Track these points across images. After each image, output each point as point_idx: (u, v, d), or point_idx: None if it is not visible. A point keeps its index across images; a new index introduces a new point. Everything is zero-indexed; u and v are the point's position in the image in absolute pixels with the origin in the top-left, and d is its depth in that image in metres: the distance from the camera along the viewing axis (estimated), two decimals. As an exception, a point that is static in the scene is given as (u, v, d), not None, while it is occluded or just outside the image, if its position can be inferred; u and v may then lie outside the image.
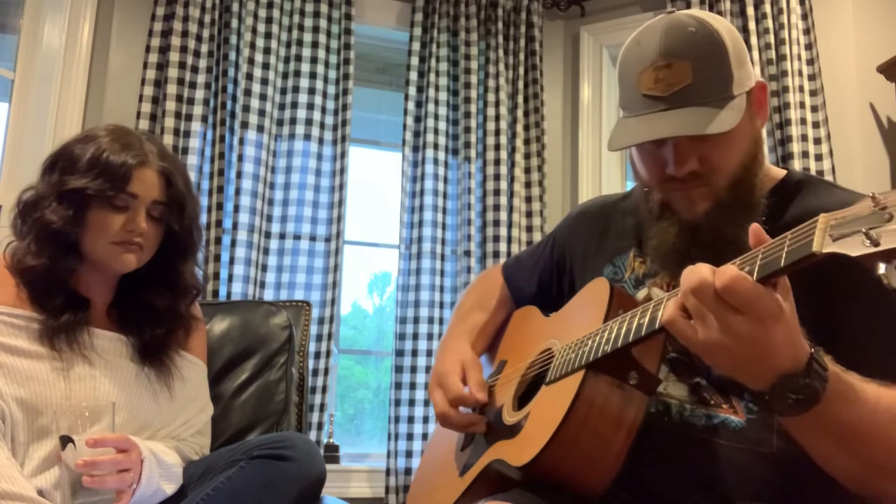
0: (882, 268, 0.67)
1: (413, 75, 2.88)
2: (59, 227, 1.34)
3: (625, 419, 0.97)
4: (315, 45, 2.79)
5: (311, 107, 2.76)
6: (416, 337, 2.75)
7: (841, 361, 0.85)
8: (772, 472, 0.98)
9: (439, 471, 1.30)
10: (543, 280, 1.39)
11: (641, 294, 1.14)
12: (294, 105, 2.75)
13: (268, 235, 2.67)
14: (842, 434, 0.84)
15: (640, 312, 0.93)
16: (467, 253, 2.83)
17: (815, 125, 2.69)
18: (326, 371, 2.60)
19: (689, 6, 2.81)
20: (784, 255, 0.74)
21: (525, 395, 1.16)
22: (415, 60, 2.89)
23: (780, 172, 1.14)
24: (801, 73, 2.71)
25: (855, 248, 0.68)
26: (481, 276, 1.55)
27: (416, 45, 2.90)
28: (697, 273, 0.80)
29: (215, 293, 2.50)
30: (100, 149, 1.37)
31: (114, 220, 1.36)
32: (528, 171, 2.96)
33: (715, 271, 0.79)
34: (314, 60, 2.78)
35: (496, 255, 2.81)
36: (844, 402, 0.82)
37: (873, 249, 0.66)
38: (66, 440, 1.18)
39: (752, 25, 2.76)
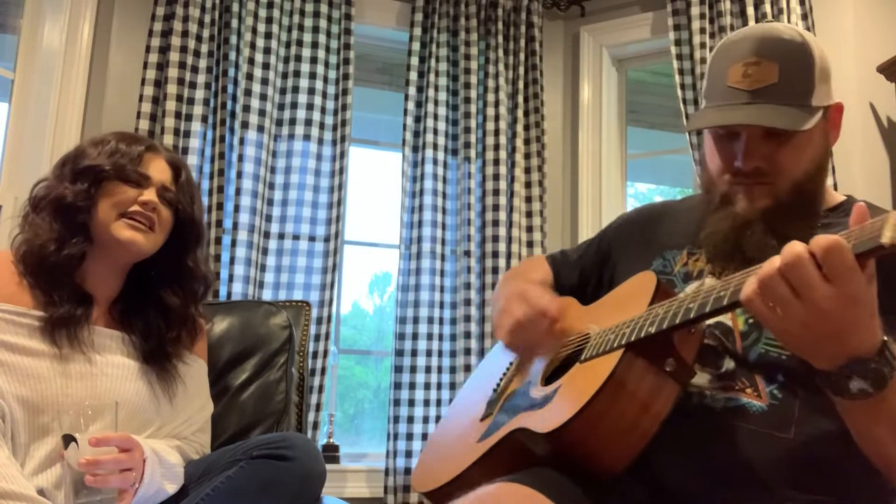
0: None
1: (413, 75, 2.88)
2: (71, 200, 1.36)
3: (654, 404, 0.97)
4: (315, 45, 2.79)
5: (310, 107, 2.76)
6: (415, 337, 2.75)
7: None
8: (786, 458, 0.99)
9: (456, 438, 1.28)
10: (584, 273, 1.40)
11: (690, 288, 1.15)
12: (294, 105, 2.75)
13: (267, 235, 2.67)
14: None
15: (691, 299, 0.95)
16: (467, 253, 2.83)
17: (815, 125, 2.68)
18: (324, 371, 2.60)
19: (688, 7, 2.81)
20: (852, 246, 0.77)
21: (554, 375, 1.16)
22: (415, 60, 2.89)
23: (840, 197, 1.18)
24: (800, 74, 2.71)
25: None
26: (525, 261, 1.57)
27: (416, 45, 2.90)
28: (792, 247, 0.81)
29: (215, 293, 2.50)
30: (112, 142, 1.43)
31: (127, 192, 1.39)
32: (528, 171, 2.96)
33: (811, 241, 0.80)
34: (314, 60, 2.78)
35: (496, 255, 2.81)
36: None
37: None
38: (68, 439, 1.18)
39: (751, 25, 2.76)
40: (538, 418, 1.05)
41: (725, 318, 1.09)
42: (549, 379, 1.17)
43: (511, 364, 1.32)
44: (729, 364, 1.06)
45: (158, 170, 1.44)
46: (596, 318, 1.18)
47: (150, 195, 1.40)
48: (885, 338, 0.83)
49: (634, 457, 0.97)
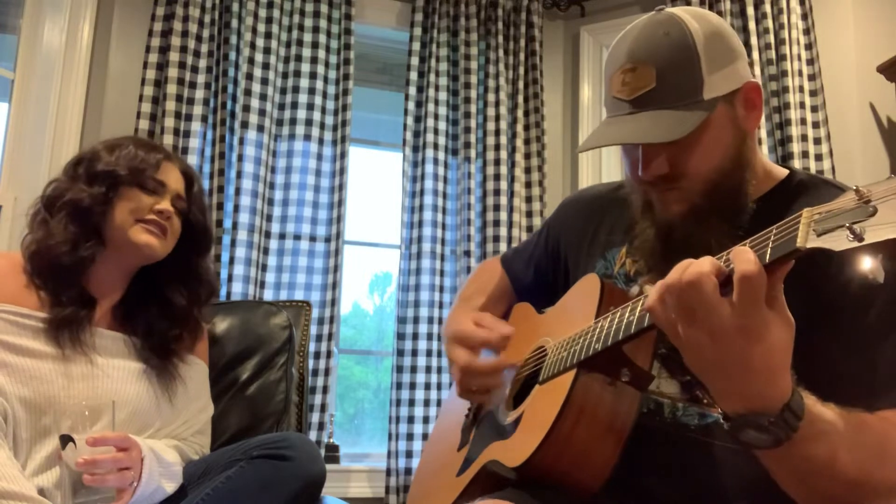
0: (867, 262, 0.66)
1: (413, 75, 2.89)
2: (88, 203, 1.37)
3: (617, 417, 0.96)
4: (315, 45, 2.80)
5: (311, 107, 2.76)
6: (416, 337, 2.75)
7: (824, 367, 0.82)
8: (764, 472, 0.98)
9: (437, 471, 1.30)
10: (540, 270, 1.38)
11: (632, 291, 1.13)
12: (294, 105, 2.75)
13: (268, 235, 2.67)
14: (803, 470, 0.82)
15: (630, 309, 0.92)
16: (467, 253, 2.83)
17: (815, 125, 2.69)
18: (327, 371, 2.60)
19: (688, 5, 2.81)
20: (769, 252, 0.73)
21: (520, 394, 1.16)
22: (415, 60, 2.89)
23: (782, 172, 1.10)
24: (801, 73, 2.71)
25: (839, 242, 0.65)
26: (481, 266, 1.55)
27: (416, 45, 2.90)
28: (697, 267, 0.76)
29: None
30: (128, 146, 1.44)
31: (144, 198, 1.41)
32: (528, 171, 2.96)
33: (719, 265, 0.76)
34: (314, 60, 2.79)
35: (496, 255, 2.81)
36: (811, 443, 0.79)
37: (857, 244, 0.64)
38: (66, 439, 1.18)
39: (752, 25, 2.76)
40: (506, 450, 1.06)
41: None
42: (516, 399, 1.17)
43: None
44: (689, 376, 1.03)
45: (174, 179, 1.47)
46: (549, 329, 1.17)
47: (165, 204, 1.42)
48: (790, 400, 0.77)
49: (608, 473, 0.95)
